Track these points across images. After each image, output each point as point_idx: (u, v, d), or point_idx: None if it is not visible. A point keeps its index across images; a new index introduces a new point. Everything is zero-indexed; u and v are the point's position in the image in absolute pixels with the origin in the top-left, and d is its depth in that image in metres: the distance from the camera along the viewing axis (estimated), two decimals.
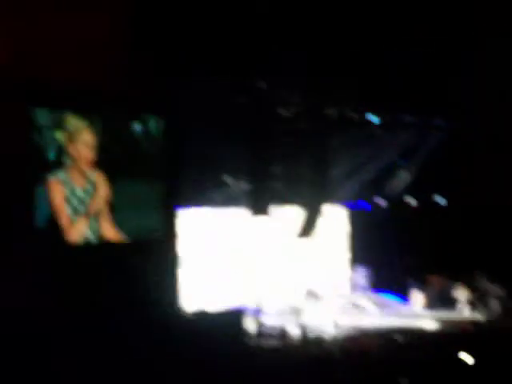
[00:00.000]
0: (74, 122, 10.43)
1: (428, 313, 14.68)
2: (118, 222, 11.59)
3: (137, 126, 11.81)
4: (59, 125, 10.56)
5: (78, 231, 10.88)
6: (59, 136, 10.42)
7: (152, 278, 11.65)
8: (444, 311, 14.62)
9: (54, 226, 10.85)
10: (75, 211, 10.88)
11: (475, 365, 11.32)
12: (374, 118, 15.47)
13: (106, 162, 11.29)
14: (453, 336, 12.80)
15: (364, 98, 14.63)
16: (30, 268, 10.31)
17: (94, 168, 11.11)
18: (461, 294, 14.81)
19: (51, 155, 10.51)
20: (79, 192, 10.90)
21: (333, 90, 14.14)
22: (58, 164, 10.63)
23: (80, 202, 10.94)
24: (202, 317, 12.61)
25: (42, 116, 10.45)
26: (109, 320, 10.75)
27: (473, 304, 14.51)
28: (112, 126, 11.44)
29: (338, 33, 13.07)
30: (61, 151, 10.58)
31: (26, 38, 10.11)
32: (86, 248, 11.40)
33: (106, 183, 11.09)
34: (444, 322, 13.71)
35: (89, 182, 10.99)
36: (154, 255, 11.99)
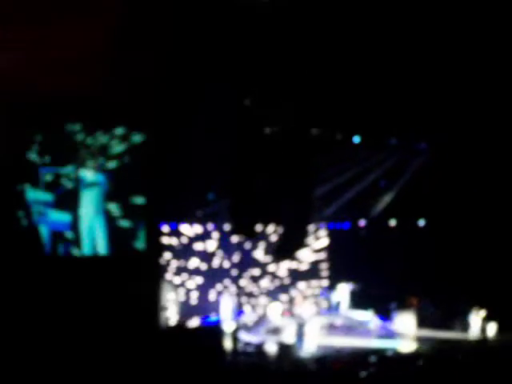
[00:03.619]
0: None
1: (410, 333, 14.85)
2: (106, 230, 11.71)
3: (120, 140, 11.90)
4: None
5: None
6: None
7: (134, 291, 11.70)
8: (427, 331, 14.86)
9: (34, 233, 11.10)
10: None
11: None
12: (357, 140, 15.63)
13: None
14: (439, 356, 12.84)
15: (349, 120, 14.76)
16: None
17: None
18: (475, 315, 14.94)
19: None
20: None
21: (317, 111, 14.26)
22: None
23: None
24: (182, 331, 12.73)
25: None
26: (90, 332, 10.85)
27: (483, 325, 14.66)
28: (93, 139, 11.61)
29: (326, 56, 13.20)
30: None
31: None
32: (69, 260, 11.50)
33: None
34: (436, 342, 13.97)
35: None
36: (137, 269, 12.03)
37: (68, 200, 11.48)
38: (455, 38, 12.46)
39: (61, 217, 11.40)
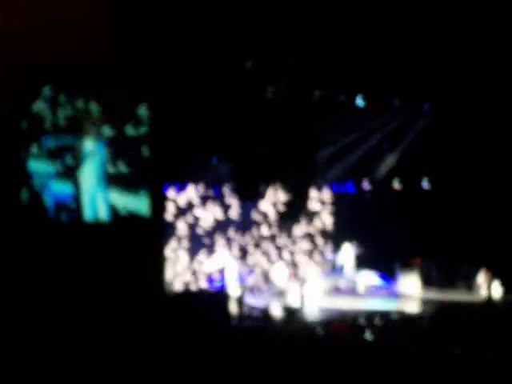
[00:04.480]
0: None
1: (415, 294, 14.94)
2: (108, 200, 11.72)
3: (123, 108, 11.85)
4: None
5: None
6: None
7: (139, 256, 11.72)
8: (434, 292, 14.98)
9: (37, 204, 11.11)
10: None
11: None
12: (360, 102, 15.55)
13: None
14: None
15: (352, 81, 14.67)
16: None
17: None
18: (480, 276, 15.02)
19: None
20: None
21: (320, 73, 14.18)
22: None
23: None
24: (188, 296, 12.78)
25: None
26: (96, 298, 10.89)
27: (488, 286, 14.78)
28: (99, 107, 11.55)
29: (328, 16, 13.08)
30: None
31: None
32: (73, 226, 11.51)
33: None
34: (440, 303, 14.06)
35: None
36: (141, 233, 12.04)
37: (70, 170, 11.45)
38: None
39: (63, 188, 11.39)
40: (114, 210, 11.78)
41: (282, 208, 15.66)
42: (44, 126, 11.21)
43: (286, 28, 12.96)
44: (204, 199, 15.98)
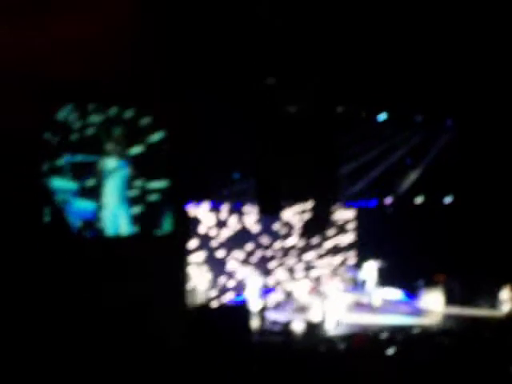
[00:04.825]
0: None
1: (438, 310, 14.86)
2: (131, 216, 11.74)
3: (145, 123, 11.90)
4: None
5: None
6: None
7: (161, 271, 11.74)
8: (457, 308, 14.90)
9: (60, 221, 11.13)
10: None
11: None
12: (383, 117, 15.54)
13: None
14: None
15: (374, 97, 14.67)
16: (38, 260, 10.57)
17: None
18: (504, 292, 14.95)
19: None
20: None
21: (342, 89, 14.20)
22: None
23: None
24: (209, 311, 12.77)
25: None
26: (117, 313, 10.91)
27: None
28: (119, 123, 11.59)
29: (348, 31, 13.11)
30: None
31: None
32: (96, 241, 11.54)
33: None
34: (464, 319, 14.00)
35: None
36: (163, 249, 12.06)
37: (92, 188, 11.49)
38: (479, 12, 12.35)
39: (85, 205, 11.43)
40: (136, 227, 11.82)
41: (304, 222, 15.64)
42: (66, 140, 11.27)
43: (308, 44, 13.00)
44: (226, 214, 15.99)
